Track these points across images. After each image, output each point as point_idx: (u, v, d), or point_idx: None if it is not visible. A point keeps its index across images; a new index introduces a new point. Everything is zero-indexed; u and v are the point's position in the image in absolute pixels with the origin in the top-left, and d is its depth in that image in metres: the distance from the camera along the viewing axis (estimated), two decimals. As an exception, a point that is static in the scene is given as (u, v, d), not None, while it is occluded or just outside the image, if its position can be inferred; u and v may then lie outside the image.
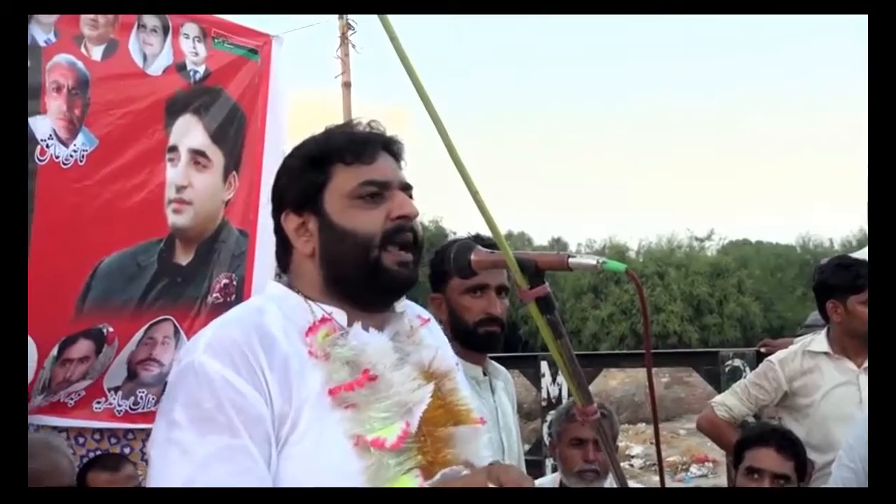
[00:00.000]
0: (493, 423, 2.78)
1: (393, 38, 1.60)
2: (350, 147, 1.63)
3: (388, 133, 1.70)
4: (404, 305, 1.72)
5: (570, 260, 1.52)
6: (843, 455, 3.02)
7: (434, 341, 1.75)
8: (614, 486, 3.04)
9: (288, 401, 1.48)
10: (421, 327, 1.74)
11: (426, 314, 1.81)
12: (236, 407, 1.44)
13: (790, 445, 3.25)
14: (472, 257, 1.63)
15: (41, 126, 2.96)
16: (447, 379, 1.65)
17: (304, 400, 1.48)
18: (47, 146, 2.98)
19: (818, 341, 3.70)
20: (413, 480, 1.48)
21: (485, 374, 2.81)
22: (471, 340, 2.73)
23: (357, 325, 1.59)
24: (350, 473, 1.47)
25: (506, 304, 2.75)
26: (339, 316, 1.60)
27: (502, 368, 3.03)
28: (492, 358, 2.96)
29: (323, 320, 1.58)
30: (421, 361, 1.64)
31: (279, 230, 1.67)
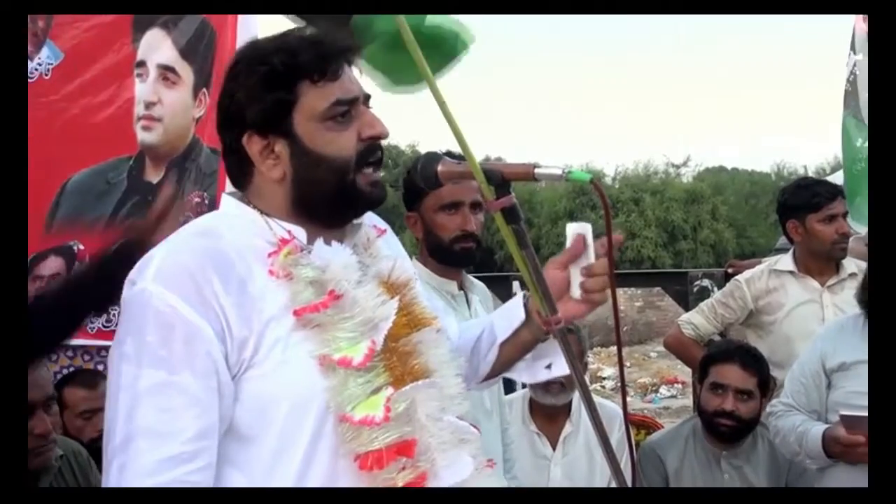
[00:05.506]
0: None
1: None
2: (317, 64, 1.53)
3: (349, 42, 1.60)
4: (362, 216, 1.68)
5: (536, 170, 1.54)
6: (796, 369, 3.09)
7: (390, 252, 1.72)
8: (580, 402, 3.11)
9: (247, 325, 1.45)
10: (378, 238, 1.71)
11: (383, 224, 1.77)
12: (181, 339, 1.41)
13: (754, 362, 3.34)
14: (439, 168, 1.63)
15: (4, 38, 2.89)
16: (407, 289, 1.63)
17: (265, 322, 1.46)
18: (11, 59, 2.92)
19: (784, 261, 3.77)
20: (382, 399, 1.48)
21: (460, 288, 2.84)
22: (447, 257, 2.76)
23: (319, 241, 1.56)
24: (314, 391, 1.46)
25: (481, 220, 2.75)
26: (299, 233, 1.56)
27: (480, 283, 3.05)
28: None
29: (284, 240, 1.53)
30: (381, 273, 1.62)
31: (235, 150, 1.58)
